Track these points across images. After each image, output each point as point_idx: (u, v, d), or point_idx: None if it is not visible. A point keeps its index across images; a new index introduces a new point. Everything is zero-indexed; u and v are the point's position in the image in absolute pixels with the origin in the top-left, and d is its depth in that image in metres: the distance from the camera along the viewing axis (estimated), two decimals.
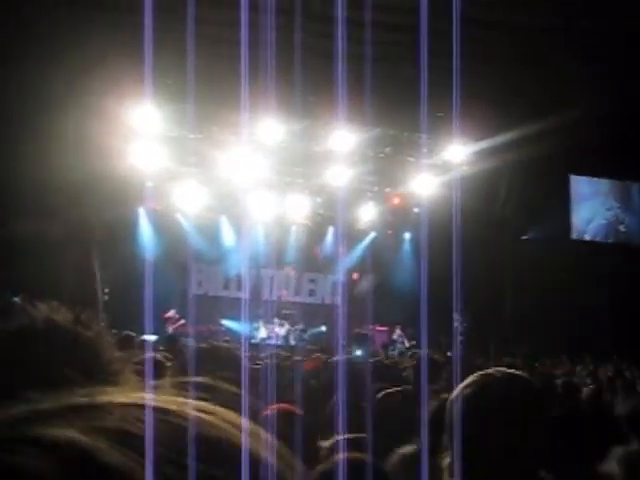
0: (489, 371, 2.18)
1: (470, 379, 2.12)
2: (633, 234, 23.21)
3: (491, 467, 1.98)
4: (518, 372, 2.23)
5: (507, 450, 1.98)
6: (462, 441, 1.95)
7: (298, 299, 23.17)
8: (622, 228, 23.24)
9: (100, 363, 1.15)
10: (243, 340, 16.65)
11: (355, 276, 22.72)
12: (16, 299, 18.34)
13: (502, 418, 2.01)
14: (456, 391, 2.11)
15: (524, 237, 22.16)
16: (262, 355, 9.85)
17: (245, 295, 21.96)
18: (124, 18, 14.22)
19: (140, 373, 1.17)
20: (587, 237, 23.05)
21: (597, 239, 23.05)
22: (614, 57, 17.43)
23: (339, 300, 22.45)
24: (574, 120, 17.62)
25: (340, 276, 22.65)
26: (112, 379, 1.15)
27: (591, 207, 23.25)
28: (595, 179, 23.23)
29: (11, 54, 16.14)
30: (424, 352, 7.02)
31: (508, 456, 1.98)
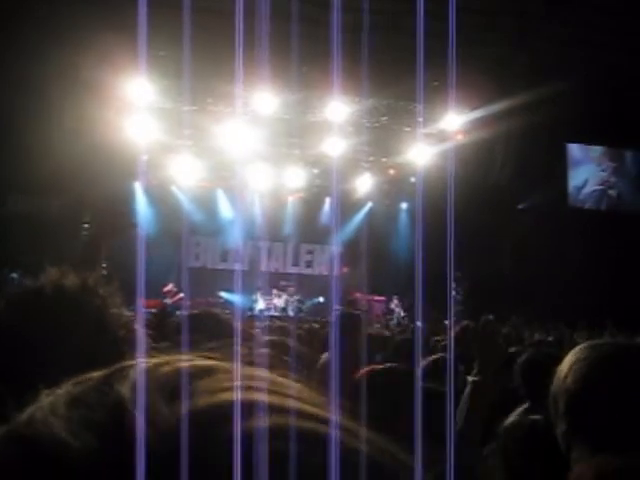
0: (599, 342, 2.00)
1: (583, 351, 1.95)
2: (626, 201, 23.22)
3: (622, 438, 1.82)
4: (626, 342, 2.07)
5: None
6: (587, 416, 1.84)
7: (295, 270, 23.21)
8: (614, 194, 23.25)
9: (107, 328, 1.16)
10: (236, 310, 16.67)
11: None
12: (14, 275, 18.44)
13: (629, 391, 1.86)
14: (567, 364, 1.94)
15: (521, 206, 22.16)
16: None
17: (242, 267, 21.99)
18: None
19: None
20: (583, 204, 23.05)
21: (591, 206, 23.04)
22: (610, 25, 17.33)
23: (335, 271, 22.52)
24: (569, 88, 17.55)
25: (336, 247, 22.67)
26: (121, 345, 1.16)
27: (586, 174, 23.22)
28: (590, 146, 23.18)
29: (6, 30, 16.02)
30: (419, 324, 7.06)
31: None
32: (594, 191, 23.20)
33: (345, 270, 22.27)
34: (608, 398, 1.84)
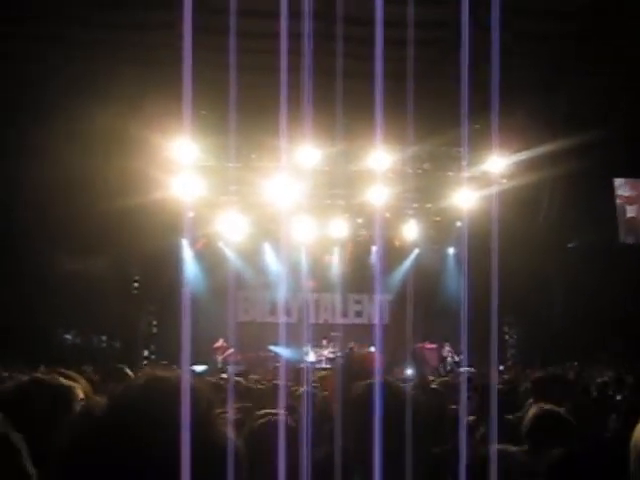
0: None
1: None
2: None
3: None
4: None
5: None
6: None
7: (345, 321, 23.09)
8: None
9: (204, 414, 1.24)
10: (284, 363, 16.60)
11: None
12: (68, 336, 18.69)
13: None
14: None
15: (570, 245, 21.85)
16: None
17: (291, 320, 21.95)
18: (162, 53, 14.42)
19: None
20: (630, 240, 22.58)
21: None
22: None
23: (381, 319, 22.36)
24: (615, 132, 17.40)
25: (382, 295, 22.52)
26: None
27: (633, 208, 22.82)
28: (637, 180, 22.82)
29: (57, 87, 16.46)
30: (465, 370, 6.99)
31: None
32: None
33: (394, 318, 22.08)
34: None
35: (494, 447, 2.39)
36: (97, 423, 1.19)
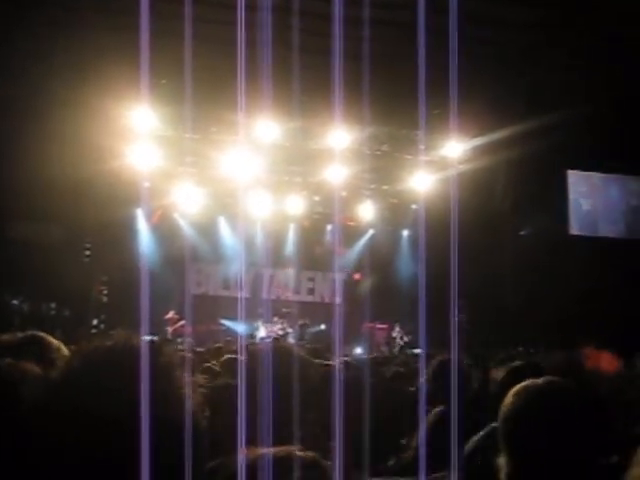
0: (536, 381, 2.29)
1: (517, 387, 2.26)
2: (624, 228, 23.16)
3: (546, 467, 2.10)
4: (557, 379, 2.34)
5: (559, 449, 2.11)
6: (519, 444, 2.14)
7: (297, 298, 23.16)
8: (612, 222, 23.18)
9: (172, 387, 1.25)
10: (240, 339, 16.65)
11: (357, 276, 22.69)
12: (15, 301, 18.44)
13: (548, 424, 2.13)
14: (507, 399, 2.25)
15: (522, 232, 22.15)
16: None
17: (244, 294, 21.96)
18: (120, 20, 14.19)
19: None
20: (584, 232, 22.96)
21: (590, 233, 22.94)
22: (611, 54, 17.42)
23: (338, 298, 22.46)
24: (570, 117, 17.60)
25: (338, 274, 22.66)
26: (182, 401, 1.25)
27: (588, 202, 23.17)
28: (592, 173, 23.17)
29: (9, 56, 16.13)
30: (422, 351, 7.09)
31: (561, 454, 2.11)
32: (593, 218, 23.15)
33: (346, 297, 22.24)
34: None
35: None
36: (53, 387, 1.21)
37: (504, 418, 2.18)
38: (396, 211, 22.86)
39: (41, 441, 1.16)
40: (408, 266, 22.00)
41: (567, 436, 2.10)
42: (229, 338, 16.86)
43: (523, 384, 2.27)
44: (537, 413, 2.14)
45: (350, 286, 22.59)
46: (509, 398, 2.22)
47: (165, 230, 21.08)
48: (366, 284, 21.33)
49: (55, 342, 2.64)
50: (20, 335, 2.65)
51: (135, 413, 1.14)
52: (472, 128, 18.44)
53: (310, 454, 1.43)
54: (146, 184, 19.69)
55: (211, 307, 20.85)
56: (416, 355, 14.29)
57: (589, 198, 23.13)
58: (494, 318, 20.21)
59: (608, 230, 23.05)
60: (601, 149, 20.12)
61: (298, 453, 1.41)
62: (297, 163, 20.57)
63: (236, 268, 21.44)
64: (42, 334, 2.69)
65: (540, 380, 2.27)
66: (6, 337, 2.62)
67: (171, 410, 1.20)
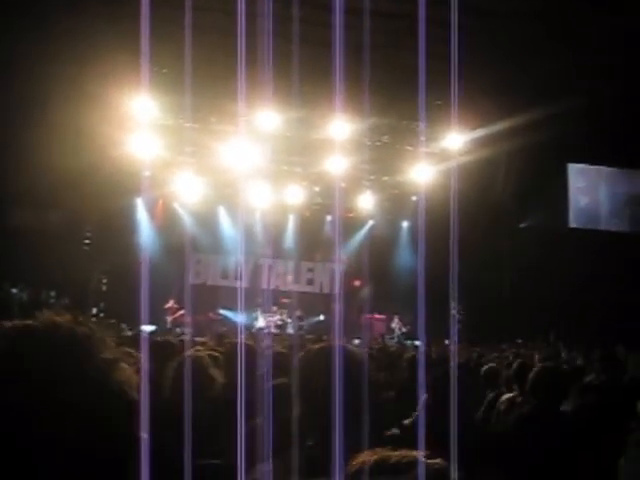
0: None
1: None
2: (625, 221, 23.16)
3: None
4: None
5: None
6: None
7: (296, 288, 23.16)
8: (614, 215, 23.17)
9: (95, 360, 1.19)
10: (239, 328, 16.69)
11: (357, 282, 22.62)
12: (15, 289, 18.45)
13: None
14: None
15: (522, 225, 22.15)
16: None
17: (243, 284, 21.96)
18: (121, 9, 14.16)
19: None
20: (585, 225, 22.95)
21: (596, 227, 22.94)
22: (611, 46, 17.38)
23: (337, 289, 22.47)
24: (571, 108, 17.58)
25: (338, 265, 22.65)
26: (106, 373, 1.19)
27: (588, 195, 23.16)
28: (592, 167, 23.15)
29: (10, 46, 16.09)
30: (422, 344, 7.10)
31: None
32: (593, 211, 23.15)
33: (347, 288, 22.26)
34: None
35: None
36: None
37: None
38: (396, 202, 22.84)
39: None
40: (407, 257, 22.02)
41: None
42: (225, 328, 16.89)
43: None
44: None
45: (349, 276, 22.63)
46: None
47: (165, 219, 21.09)
48: (365, 292, 21.37)
49: None
50: None
51: (48, 394, 1.10)
52: (473, 120, 18.41)
53: (438, 461, 1.38)
54: (146, 173, 19.69)
55: (209, 297, 20.85)
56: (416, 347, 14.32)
57: (589, 191, 23.11)
58: (492, 309, 20.23)
59: (607, 223, 23.04)
60: (602, 142, 20.09)
61: (423, 459, 1.36)
62: (297, 153, 20.54)
63: (235, 258, 21.44)
64: None
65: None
66: None
67: (84, 389, 1.14)
